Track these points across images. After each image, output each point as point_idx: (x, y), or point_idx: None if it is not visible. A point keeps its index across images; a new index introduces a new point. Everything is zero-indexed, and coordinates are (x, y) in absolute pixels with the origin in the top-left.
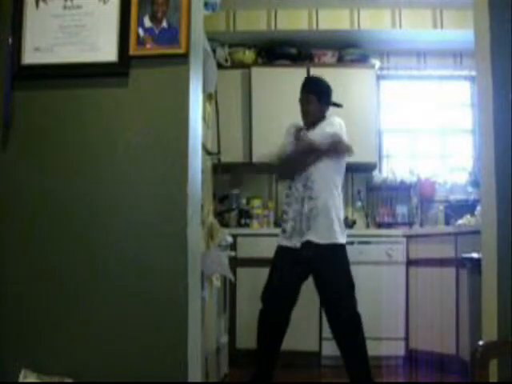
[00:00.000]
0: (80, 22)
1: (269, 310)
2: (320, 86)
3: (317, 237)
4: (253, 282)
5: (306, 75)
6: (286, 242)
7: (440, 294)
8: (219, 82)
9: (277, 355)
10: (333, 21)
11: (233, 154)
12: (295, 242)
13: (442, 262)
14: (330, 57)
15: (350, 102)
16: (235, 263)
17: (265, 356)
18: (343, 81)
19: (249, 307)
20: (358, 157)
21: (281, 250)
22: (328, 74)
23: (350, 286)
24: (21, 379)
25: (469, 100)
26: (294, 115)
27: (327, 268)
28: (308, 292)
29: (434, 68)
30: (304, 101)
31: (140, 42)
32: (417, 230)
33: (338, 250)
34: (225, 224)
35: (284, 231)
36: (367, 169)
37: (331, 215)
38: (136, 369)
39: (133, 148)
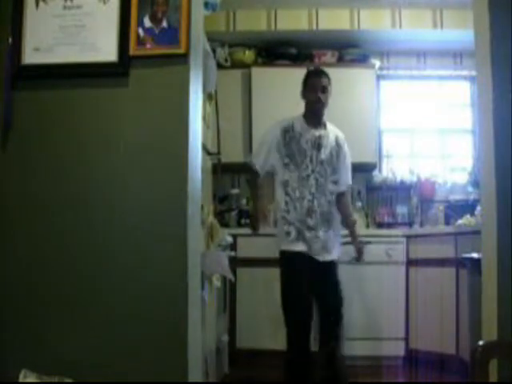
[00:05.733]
0: (80, 22)
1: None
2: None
3: None
4: (253, 282)
5: None
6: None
7: (440, 294)
8: (219, 82)
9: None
10: (333, 21)
11: (233, 154)
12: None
13: (442, 262)
14: (329, 57)
15: (350, 101)
16: (235, 263)
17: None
18: (343, 81)
19: (249, 307)
20: (358, 157)
21: None
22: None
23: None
24: (21, 379)
25: (469, 100)
26: (294, 115)
27: None
28: None
29: (433, 68)
30: (322, 86)
31: (140, 42)
32: (417, 230)
33: None
34: (225, 224)
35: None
36: (367, 169)
37: None
38: (136, 369)
39: (133, 148)
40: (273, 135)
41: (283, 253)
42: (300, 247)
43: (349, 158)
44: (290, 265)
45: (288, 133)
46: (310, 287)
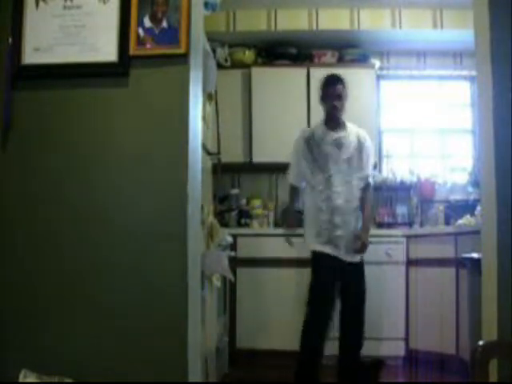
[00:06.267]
0: (80, 22)
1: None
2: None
3: None
4: (253, 282)
5: (306, 75)
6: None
7: (440, 294)
8: (219, 82)
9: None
10: (333, 21)
11: (233, 154)
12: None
13: (442, 262)
14: (329, 57)
15: (349, 101)
16: (235, 263)
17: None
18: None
19: (249, 307)
20: None
21: None
22: None
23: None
24: (21, 379)
25: (469, 100)
26: (294, 115)
27: None
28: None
29: (434, 68)
30: (337, 95)
31: (140, 42)
32: (417, 230)
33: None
34: (225, 224)
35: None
36: None
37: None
38: (136, 369)
39: (133, 148)
40: (298, 147)
41: (313, 253)
42: (326, 249)
43: (371, 152)
44: (316, 265)
45: (310, 140)
46: (340, 287)
